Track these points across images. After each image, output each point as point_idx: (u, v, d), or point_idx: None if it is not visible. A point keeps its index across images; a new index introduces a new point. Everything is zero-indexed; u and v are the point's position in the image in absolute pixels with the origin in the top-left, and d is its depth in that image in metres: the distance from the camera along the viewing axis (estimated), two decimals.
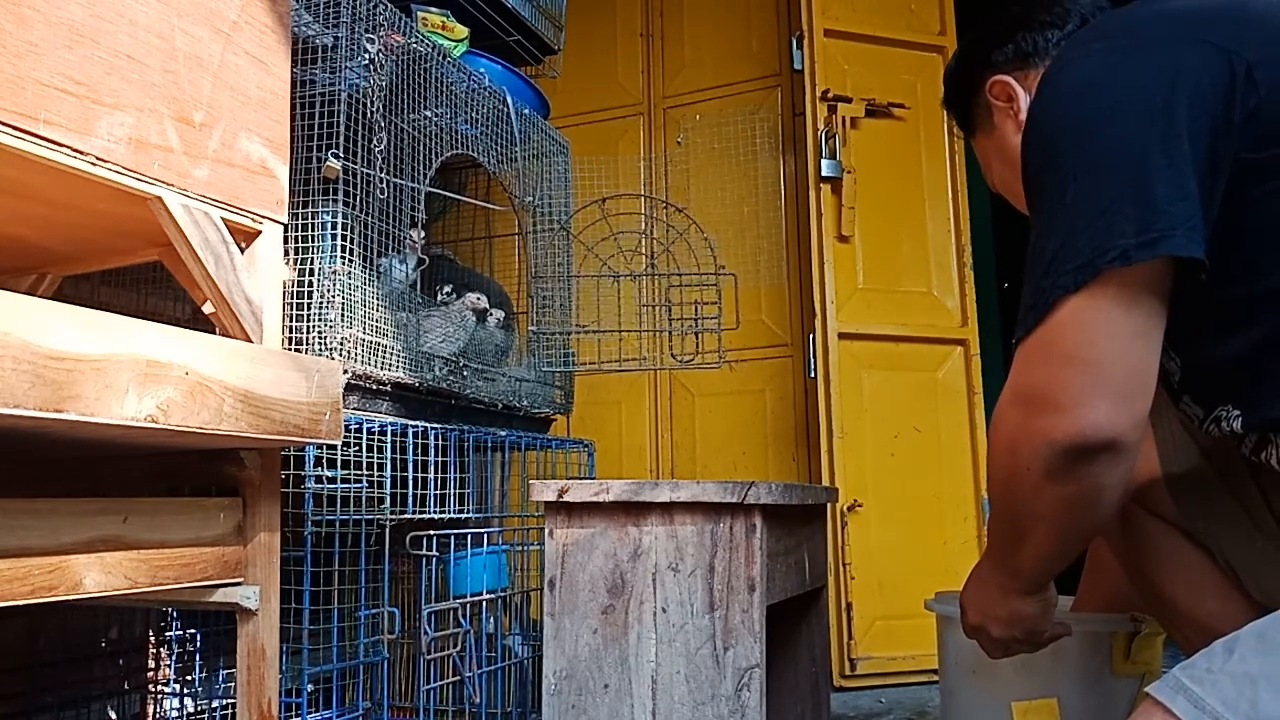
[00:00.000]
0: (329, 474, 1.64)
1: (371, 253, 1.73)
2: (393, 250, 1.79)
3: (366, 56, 1.69)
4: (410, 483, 1.75)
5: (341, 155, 1.63)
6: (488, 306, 2.00)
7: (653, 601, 1.25)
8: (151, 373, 1.01)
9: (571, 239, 2.31)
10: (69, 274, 1.51)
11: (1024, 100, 1.12)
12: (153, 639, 1.90)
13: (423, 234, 1.85)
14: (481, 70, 2.08)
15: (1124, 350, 0.79)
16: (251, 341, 1.28)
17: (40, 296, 1.08)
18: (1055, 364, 0.81)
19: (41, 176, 1.09)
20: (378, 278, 1.75)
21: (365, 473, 1.68)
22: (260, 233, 1.33)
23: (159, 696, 1.89)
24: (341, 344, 1.62)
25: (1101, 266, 0.78)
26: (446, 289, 2.04)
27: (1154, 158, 0.79)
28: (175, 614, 1.92)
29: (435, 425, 1.81)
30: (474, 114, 2.04)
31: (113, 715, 1.83)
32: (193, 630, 1.93)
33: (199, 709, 1.91)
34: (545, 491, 1.30)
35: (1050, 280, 0.81)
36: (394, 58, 1.77)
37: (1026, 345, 0.84)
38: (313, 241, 1.64)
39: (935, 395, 2.87)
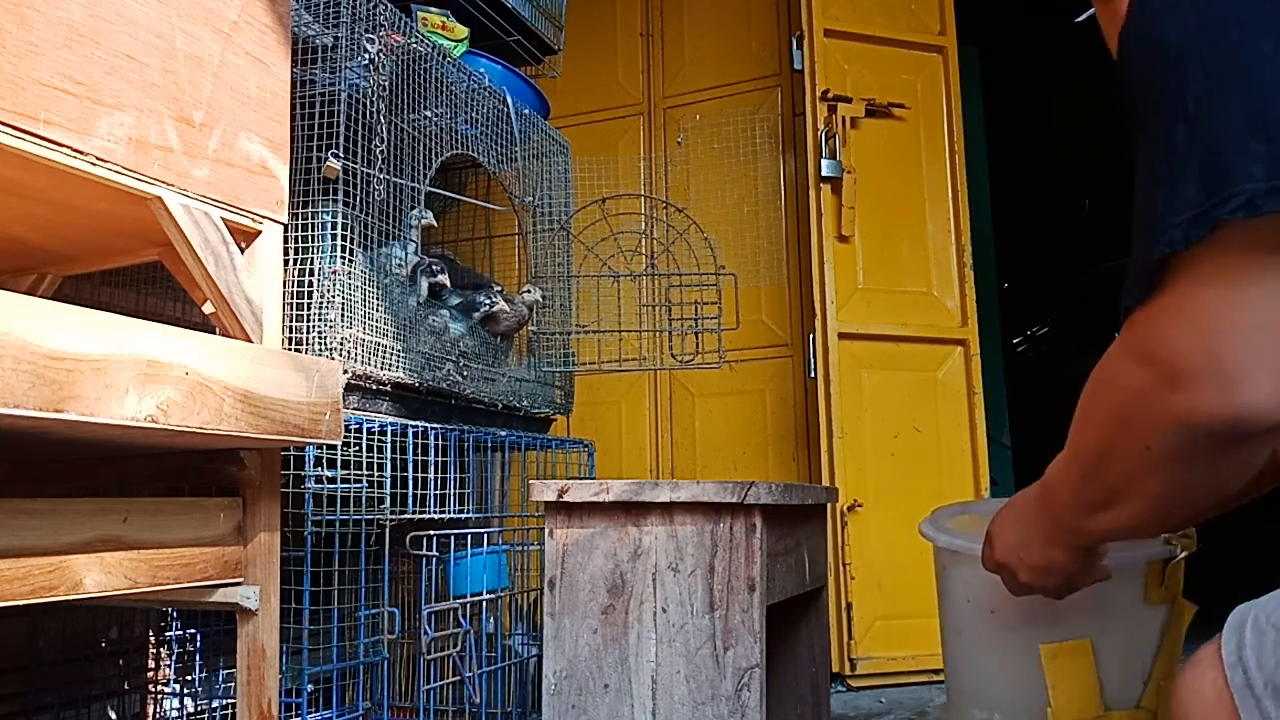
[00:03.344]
0: (329, 474, 1.64)
1: (373, 245, 1.73)
2: (393, 240, 1.79)
3: (366, 56, 1.69)
4: (410, 483, 1.75)
5: (341, 155, 1.63)
6: (467, 301, 1.99)
7: (653, 601, 1.25)
8: (151, 373, 1.01)
9: (571, 239, 2.32)
10: (69, 274, 1.51)
11: None
12: (153, 639, 1.90)
13: (427, 213, 1.85)
14: (481, 70, 2.08)
15: (1270, 319, 0.66)
16: (251, 341, 1.28)
17: (40, 296, 1.08)
18: (1193, 333, 0.67)
19: (41, 176, 1.09)
20: (378, 264, 1.75)
21: (365, 473, 1.68)
22: (260, 233, 1.33)
23: (159, 696, 1.89)
24: (341, 344, 1.62)
25: (1221, 216, 0.65)
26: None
27: None
28: (175, 614, 1.92)
29: (435, 425, 1.81)
30: (474, 114, 2.04)
31: (113, 715, 1.83)
32: (193, 630, 1.93)
33: (199, 709, 1.91)
34: (545, 491, 1.30)
35: (1159, 235, 0.68)
36: (394, 58, 1.77)
37: (1151, 308, 0.71)
38: (313, 241, 1.64)
39: (935, 395, 2.87)
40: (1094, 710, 1.08)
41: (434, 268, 1.88)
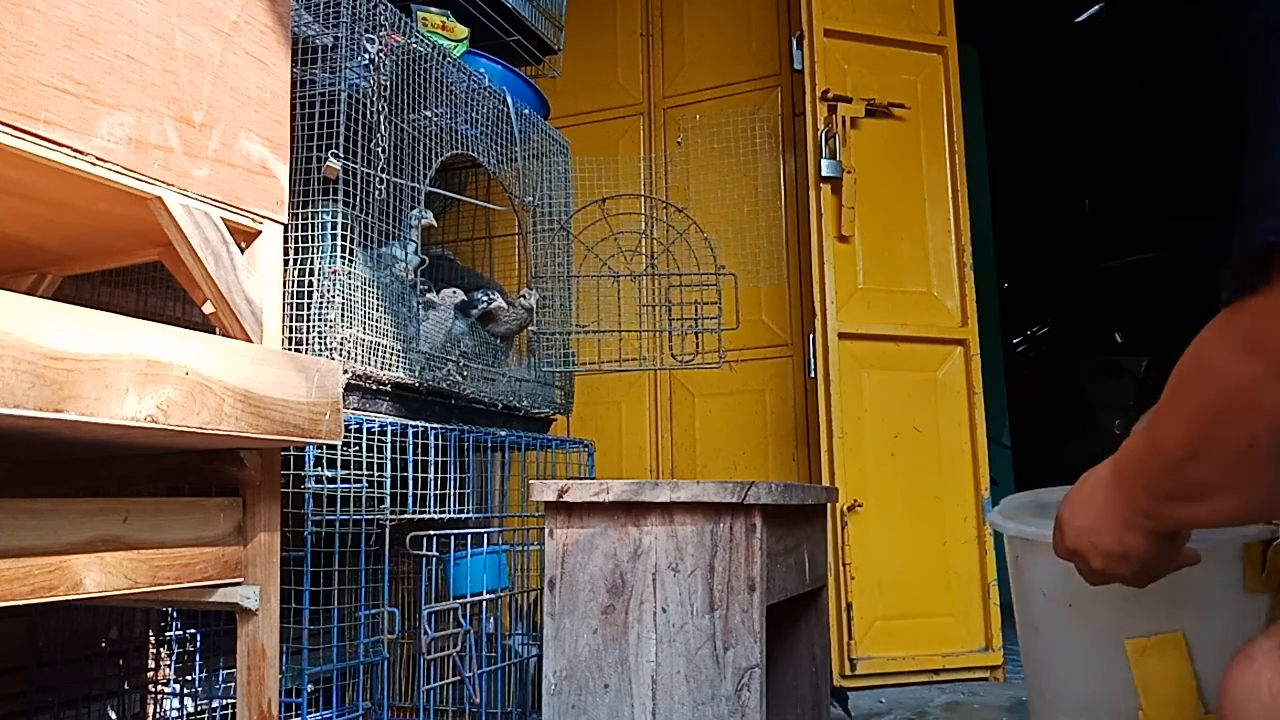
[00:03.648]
0: (329, 474, 1.64)
1: (372, 245, 1.73)
2: (393, 240, 1.80)
3: (366, 56, 1.69)
4: (410, 483, 1.75)
5: (341, 155, 1.63)
6: (466, 300, 2.00)
7: (653, 601, 1.25)
8: (151, 373, 1.01)
9: (571, 239, 2.32)
10: (69, 274, 1.51)
11: None
12: (153, 639, 1.90)
13: (427, 213, 1.85)
14: (481, 70, 2.08)
15: None
16: (251, 341, 1.28)
17: (40, 296, 1.08)
18: None
19: (42, 176, 1.09)
20: (378, 263, 1.75)
21: (365, 473, 1.68)
22: (260, 233, 1.33)
23: (159, 696, 1.89)
24: (341, 344, 1.62)
25: None
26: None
27: None
28: (175, 614, 1.92)
29: (435, 425, 1.82)
30: (474, 114, 2.04)
31: (113, 715, 1.83)
32: (193, 630, 1.93)
33: (199, 709, 1.91)
34: (545, 491, 1.30)
35: (1264, 219, 0.62)
36: (394, 58, 1.77)
37: (1269, 296, 0.63)
38: (313, 241, 1.64)
39: (935, 395, 2.87)
40: (1192, 712, 0.96)
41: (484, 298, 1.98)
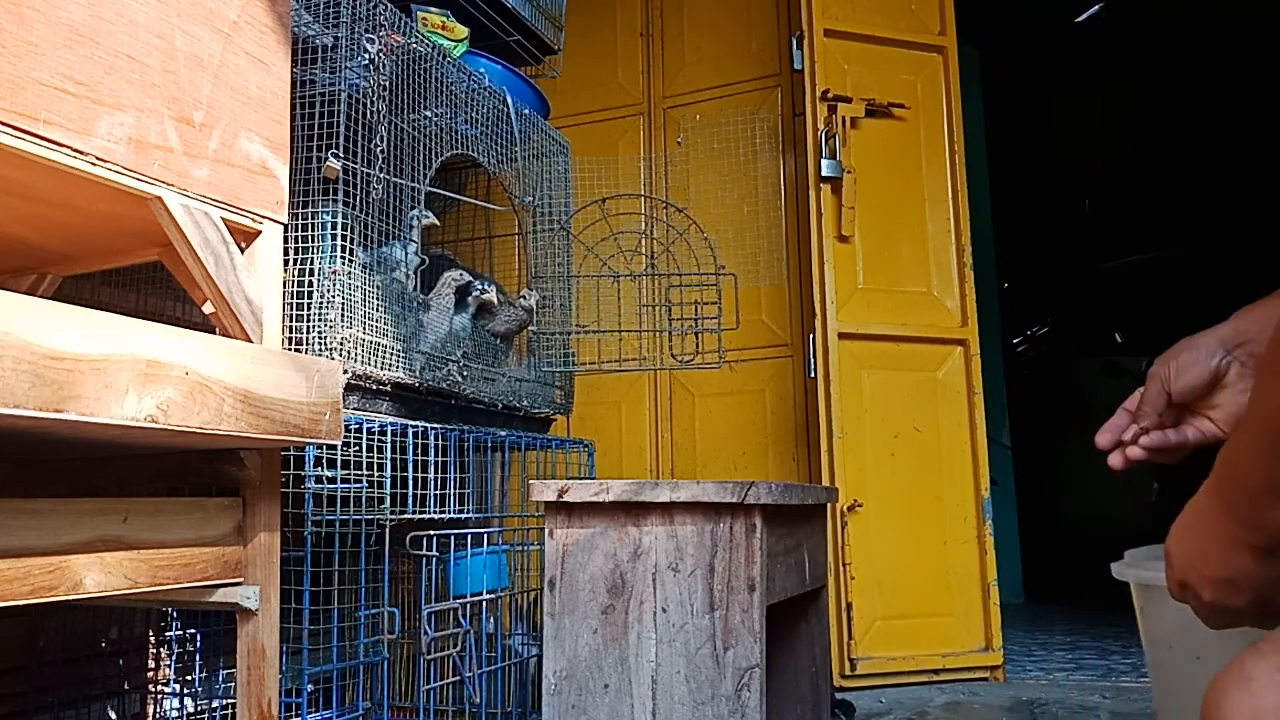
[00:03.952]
0: (329, 474, 1.64)
1: (373, 245, 1.73)
2: (393, 240, 1.80)
3: (366, 56, 1.69)
4: (410, 483, 1.75)
5: (341, 155, 1.63)
6: (471, 280, 2.01)
7: (653, 601, 1.25)
8: (151, 373, 1.01)
9: (571, 239, 2.32)
10: (69, 274, 1.51)
11: None
12: (153, 639, 1.90)
13: (428, 213, 1.85)
14: (481, 70, 2.08)
15: None
16: (251, 341, 1.28)
17: (40, 296, 1.08)
18: None
19: (42, 176, 1.09)
20: (378, 264, 1.75)
21: (365, 473, 1.69)
22: (260, 233, 1.33)
23: (159, 696, 1.89)
24: (341, 344, 1.62)
25: None
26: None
27: None
28: (175, 614, 1.92)
29: (435, 425, 1.82)
30: (474, 114, 2.04)
31: (113, 715, 1.83)
32: (193, 630, 1.93)
33: (199, 709, 1.91)
34: (545, 491, 1.30)
35: None
36: (394, 58, 1.77)
37: None
38: (313, 241, 1.64)
39: (935, 395, 2.87)
40: None
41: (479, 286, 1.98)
